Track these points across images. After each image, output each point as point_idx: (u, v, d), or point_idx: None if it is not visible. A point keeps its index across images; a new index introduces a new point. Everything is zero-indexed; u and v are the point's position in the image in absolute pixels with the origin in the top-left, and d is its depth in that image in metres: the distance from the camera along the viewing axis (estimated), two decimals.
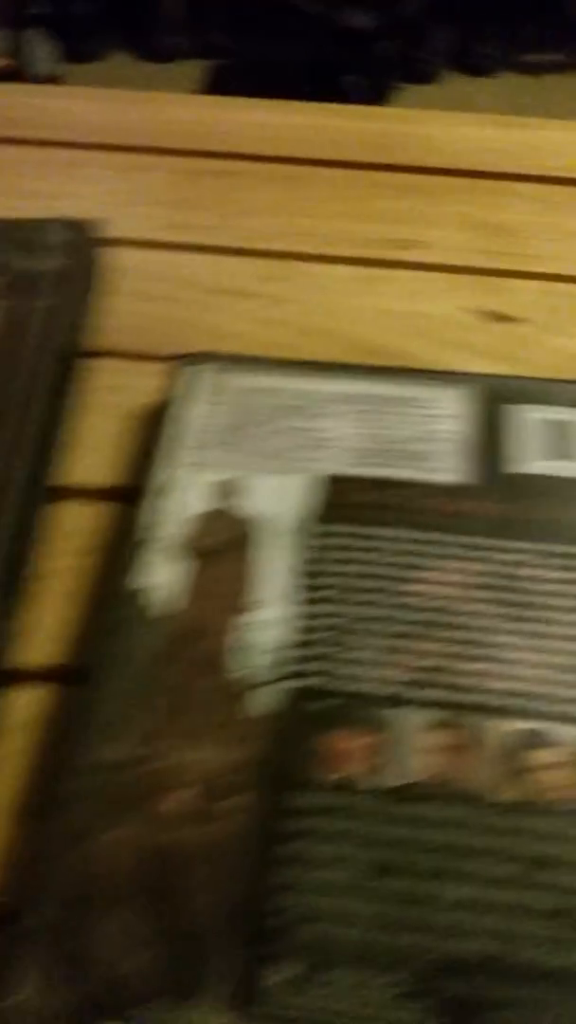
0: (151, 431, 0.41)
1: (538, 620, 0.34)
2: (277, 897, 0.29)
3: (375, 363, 0.45)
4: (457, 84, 1.92)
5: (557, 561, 0.36)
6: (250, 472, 0.39)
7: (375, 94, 1.77)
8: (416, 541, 0.36)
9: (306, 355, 0.46)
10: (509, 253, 0.51)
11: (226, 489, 0.39)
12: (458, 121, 0.58)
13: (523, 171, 0.55)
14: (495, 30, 1.89)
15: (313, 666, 0.33)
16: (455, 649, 0.34)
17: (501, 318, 0.48)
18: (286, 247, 0.51)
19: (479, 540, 0.36)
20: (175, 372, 0.43)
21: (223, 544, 0.37)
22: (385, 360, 0.46)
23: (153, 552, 0.37)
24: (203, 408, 0.41)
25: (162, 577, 0.36)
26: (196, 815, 0.30)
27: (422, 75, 1.89)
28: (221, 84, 1.72)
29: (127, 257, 0.51)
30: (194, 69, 1.89)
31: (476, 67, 1.91)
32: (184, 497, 0.38)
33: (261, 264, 0.50)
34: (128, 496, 0.40)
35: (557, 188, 0.54)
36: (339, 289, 0.49)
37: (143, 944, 0.28)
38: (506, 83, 1.92)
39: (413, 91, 1.89)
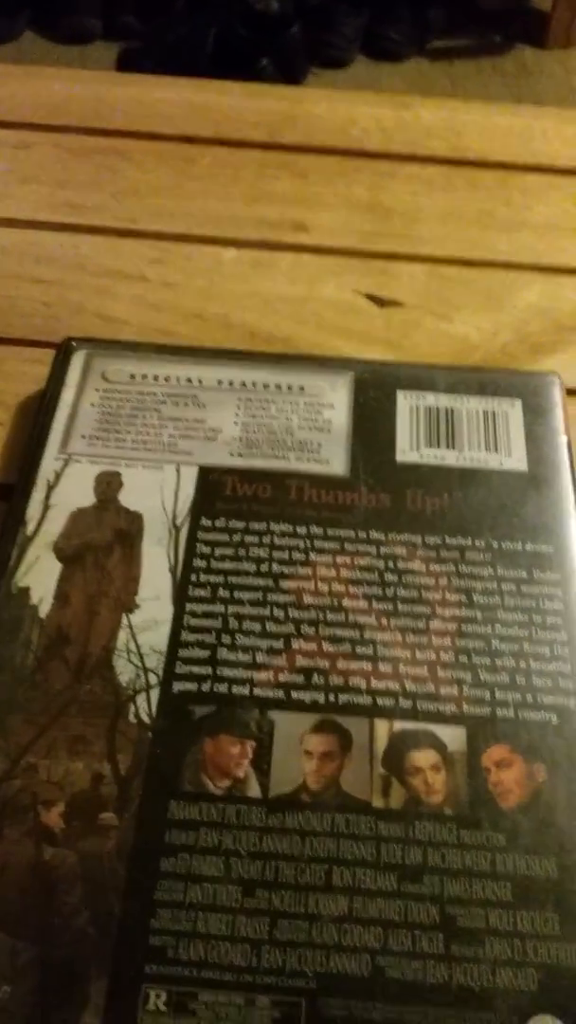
0: (34, 421, 0.39)
1: (416, 615, 0.34)
2: (161, 914, 0.28)
3: (261, 349, 0.44)
4: (369, 69, 1.92)
5: (434, 553, 0.35)
6: (132, 464, 0.38)
7: (287, 79, 1.75)
8: (295, 535, 0.36)
9: (194, 341, 0.45)
10: (396, 235, 0.50)
11: (108, 483, 0.37)
12: (346, 100, 0.57)
13: (409, 151, 0.55)
14: (406, 16, 1.89)
15: (194, 670, 0.32)
16: (335, 648, 0.33)
17: (386, 303, 0.47)
18: (176, 229, 0.50)
19: (357, 533, 0.36)
20: (59, 359, 0.41)
21: (104, 541, 0.36)
22: (271, 346, 0.45)
23: (34, 550, 0.35)
24: (87, 396, 0.40)
25: (43, 577, 0.35)
26: (78, 829, 0.29)
27: (335, 60, 1.88)
28: (133, 67, 1.69)
29: (12, 238, 0.49)
30: (108, 51, 1.86)
31: (388, 52, 1.91)
32: (66, 491, 0.37)
33: (150, 246, 0.49)
34: (9, 491, 0.38)
35: (443, 168, 0.54)
36: (228, 272, 0.48)
37: (10, 976, 0.27)
38: (418, 68, 1.93)
39: (325, 76, 1.88)
